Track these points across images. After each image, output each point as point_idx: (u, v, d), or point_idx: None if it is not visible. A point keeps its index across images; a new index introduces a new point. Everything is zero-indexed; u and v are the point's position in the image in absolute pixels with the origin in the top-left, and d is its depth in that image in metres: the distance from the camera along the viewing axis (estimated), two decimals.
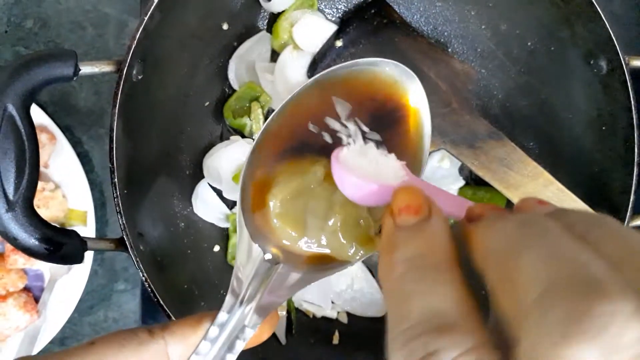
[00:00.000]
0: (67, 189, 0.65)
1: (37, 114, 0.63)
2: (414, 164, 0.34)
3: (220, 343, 0.30)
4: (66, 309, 0.64)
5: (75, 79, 0.41)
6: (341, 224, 0.32)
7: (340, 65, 0.35)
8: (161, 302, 0.43)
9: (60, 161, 0.64)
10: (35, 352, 0.63)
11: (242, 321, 0.31)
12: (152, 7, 0.43)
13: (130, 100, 0.44)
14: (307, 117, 0.35)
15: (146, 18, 0.42)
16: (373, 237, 0.32)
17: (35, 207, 0.61)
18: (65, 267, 0.64)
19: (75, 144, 0.66)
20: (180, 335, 0.30)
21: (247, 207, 0.33)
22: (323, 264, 0.33)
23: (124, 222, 0.42)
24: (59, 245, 0.40)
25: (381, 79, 0.35)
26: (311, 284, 0.50)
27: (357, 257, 0.32)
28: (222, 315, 0.31)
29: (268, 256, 0.33)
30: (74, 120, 0.67)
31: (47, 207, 0.63)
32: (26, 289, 0.65)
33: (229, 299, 0.31)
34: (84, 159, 0.66)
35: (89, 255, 0.63)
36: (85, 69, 0.41)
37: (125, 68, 0.42)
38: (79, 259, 0.41)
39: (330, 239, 0.32)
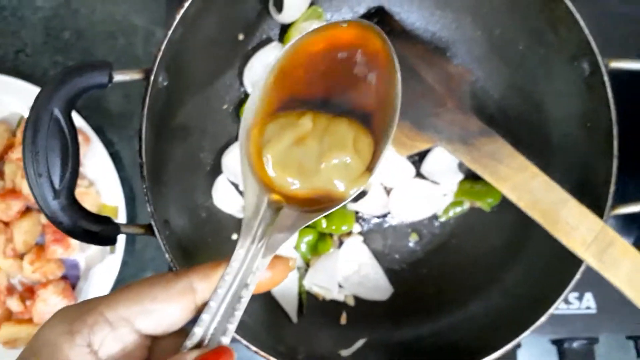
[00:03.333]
0: (100, 186, 0.69)
1: (74, 117, 0.68)
2: (388, 113, 0.38)
3: (239, 277, 0.34)
4: (99, 295, 0.69)
5: (109, 85, 0.46)
6: (332, 165, 0.36)
7: (316, 26, 0.39)
8: None
9: (94, 160, 0.69)
10: None
11: (256, 256, 0.34)
12: (176, 22, 0.48)
13: (156, 104, 0.49)
14: (293, 77, 0.39)
15: (170, 32, 0.47)
16: (362, 174, 0.37)
17: None
18: (99, 256, 0.68)
19: (107, 144, 0.70)
20: (203, 273, 0.34)
21: (248, 162, 0.37)
22: (322, 203, 0.37)
23: (153, 209, 0.47)
24: (97, 229, 0.45)
25: (356, 32, 0.39)
26: (320, 270, 0.56)
27: (350, 192, 0.37)
28: (239, 252, 0.34)
29: (272, 201, 0.36)
30: (106, 122, 0.72)
31: (82, 202, 0.66)
32: (64, 277, 0.69)
33: (242, 239, 0.35)
34: (115, 158, 0.71)
35: (120, 247, 0.67)
36: (118, 77, 0.46)
37: (152, 76, 0.47)
38: (113, 241, 0.46)
39: (325, 180, 0.36)
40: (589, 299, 0.67)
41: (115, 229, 0.46)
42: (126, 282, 0.71)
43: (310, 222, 0.36)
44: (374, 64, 0.38)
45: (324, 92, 0.38)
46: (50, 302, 0.67)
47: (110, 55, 0.73)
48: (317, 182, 0.37)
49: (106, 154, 0.68)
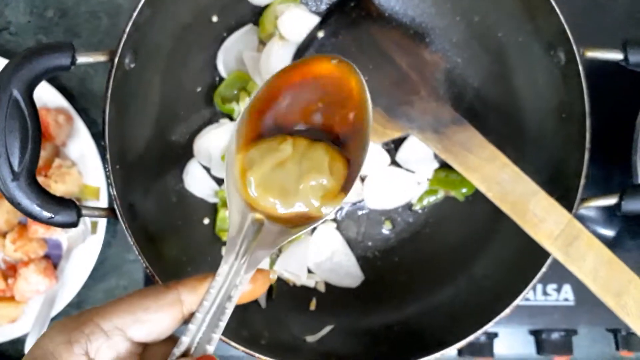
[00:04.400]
0: (82, 166, 0.69)
1: (56, 97, 0.68)
2: (361, 139, 0.42)
3: (224, 290, 0.37)
4: (81, 275, 0.68)
5: (72, 67, 0.46)
6: (310, 186, 0.40)
7: (295, 61, 0.42)
8: (148, 266, 0.48)
9: (76, 140, 0.69)
10: (53, 314, 0.67)
11: (239, 271, 0.38)
12: (141, 4, 0.48)
13: (123, 87, 0.49)
14: (274, 105, 0.43)
15: (135, 14, 0.47)
16: (337, 194, 0.40)
17: (53, 182, 0.68)
18: (81, 237, 0.68)
19: (91, 124, 0.70)
20: (191, 286, 0.37)
21: (233, 182, 0.41)
22: (301, 221, 0.40)
23: (115, 192, 0.47)
24: (57, 211, 0.45)
25: (332, 69, 0.43)
26: (291, 256, 0.56)
27: (327, 212, 0.40)
28: (223, 268, 0.38)
29: (254, 220, 0.40)
30: (90, 102, 0.72)
31: (64, 183, 0.67)
32: (46, 257, 0.70)
33: (226, 256, 0.38)
34: (98, 138, 0.70)
35: (102, 228, 0.68)
36: (81, 59, 0.46)
37: (117, 58, 0.47)
38: (74, 224, 0.46)
39: (303, 199, 0.40)
40: (567, 291, 0.67)
41: (77, 212, 0.46)
42: (109, 263, 0.72)
43: (289, 239, 0.40)
44: (349, 97, 0.42)
45: (303, 119, 0.43)
46: (31, 280, 0.68)
47: (94, 35, 0.73)
48: (297, 201, 0.40)
49: (88, 134, 0.69)
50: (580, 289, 0.65)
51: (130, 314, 0.35)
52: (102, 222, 0.69)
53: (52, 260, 0.71)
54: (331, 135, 0.42)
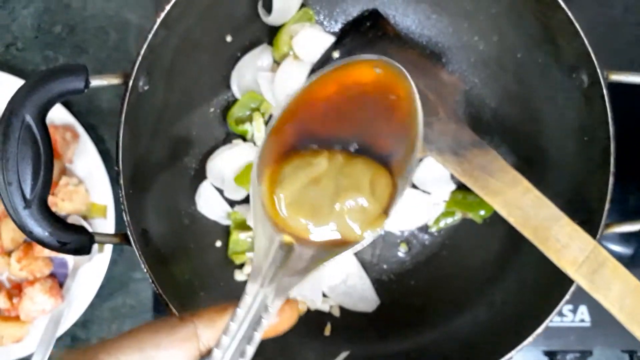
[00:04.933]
0: (89, 184, 0.68)
1: (63, 114, 0.67)
2: (407, 151, 0.38)
3: (246, 324, 0.33)
4: (88, 294, 0.67)
5: (85, 91, 0.45)
6: (347, 207, 0.35)
7: (333, 62, 0.37)
8: (160, 292, 0.47)
9: (83, 158, 0.68)
10: (59, 333, 0.66)
11: (264, 303, 0.33)
12: (156, 26, 0.46)
13: (137, 109, 0.48)
14: (308, 114, 0.38)
15: (150, 36, 0.46)
16: (378, 217, 0.36)
17: (60, 201, 0.67)
18: (88, 256, 0.68)
19: (98, 141, 0.69)
20: (208, 319, 0.33)
21: (260, 200, 0.36)
22: (335, 245, 0.36)
23: (129, 219, 0.46)
24: (69, 238, 0.44)
25: (375, 72, 0.38)
26: (305, 280, 0.55)
27: (365, 237, 0.36)
28: (246, 299, 0.33)
29: (283, 242, 0.35)
30: (97, 119, 0.71)
31: (71, 201, 0.67)
32: (52, 275, 0.69)
33: (250, 284, 0.34)
34: (106, 155, 0.70)
35: (108, 246, 0.67)
36: (95, 82, 0.45)
37: (131, 81, 0.46)
38: (86, 251, 0.45)
39: (339, 221, 0.36)
40: (583, 312, 0.67)
41: (89, 239, 0.45)
42: (115, 281, 0.71)
43: (321, 266, 0.35)
44: (396, 106, 0.37)
45: (340, 130, 0.37)
46: (37, 300, 0.67)
47: (102, 51, 0.72)
48: (331, 223, 0.36)
49: (96, 151, 0.68)
50: (596, 310, 0.64)
51: (138, 350, 0.32)
52: None
53: (58, 279, 0.70)
54: (373, 149, 0.37)
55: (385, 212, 0.36)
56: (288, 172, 0.36)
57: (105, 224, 0.68)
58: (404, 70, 0.37)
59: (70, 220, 0.68)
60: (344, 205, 0.35)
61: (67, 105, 0.69)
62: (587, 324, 0.66)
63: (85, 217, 0.69)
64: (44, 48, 0.72)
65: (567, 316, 0.66)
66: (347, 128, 0.37)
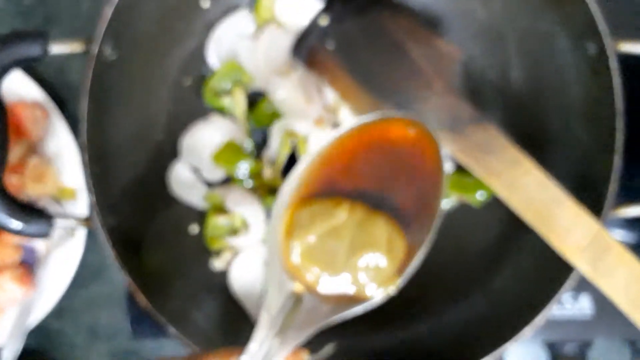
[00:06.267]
0: (60, 164, 0.65)
1: (33, 89, 0.64)
2: (427, 218, 0.38)
3: None
4: (61, 283, 0.65)
5: (45, 58, 0.41)
6: (362, 263, 0.36)
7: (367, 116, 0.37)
8: (130, 277, 0.45)
9: (53, 137, 0.65)
10: (32, 324, 0.64)
11: (270, 353, 0.34)
12: None
13: (104, 81, 0.45)
14: (335, 164, 0.38)
15: None
16: (391, 276, 0.37)
17: (30, 181, 0.63)
18: (60, 242, 0.65)
19: (69, 118, 0.66)
20: None
21: (275, 244, 0.37)
22: (346, 301, 0.37)
23: (94, 200, 0.43)
24: (27, 220, 0.41)
25: (409, 133, 0.38)
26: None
27: (377, 296, 0.37)
28: (253, 346, 0.34)
29: (294, 291, 0.36)
30: (69, 94, 0.68)
31: (41, 182, 0.64)
32: (22, 263, 0.66)
33: (258, 331, 0.34)
34: (78, 134, 0.67)
35: (81, 232, 0.64)
36: (55, 48, 0.41)
37: (97, 48, 0.42)
38: (46, 234, 0.43)
39: (352, 277, 0.36)
40: (584, 301, 0.65)
41: (49, 221, 0.41)
42: (88, 268, 0.68)
43: (330, 321, 0.36)
44: (420, 169, 0.38)
45: (363, 183, 0.38)
46: (7, 288, 0.64)
47: (75, 21, 0.69)
48: (344, 277, 0.36)
49: (67, 129, 0.65)
50: (597, 298, 0.64)
51: None
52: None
53: (29, 267, 0.67)
54: (393, 206, 0.38)
55: (399, 272, 0.37)
56: (306, 219, 0.37)
57: (77, 206, 0.65)
58: (435, 133, 0.37)
59: (42, 203, 0.66)
60: (359, 261, 0.36)
61: (37, 80, 0.66)
62: (588, 312, 0.64)
63: (56, 199, 0.66)
64: (12, 18, 0.69)
65: (567, 305, 0.65)
66: (371, 182, 0.38)
